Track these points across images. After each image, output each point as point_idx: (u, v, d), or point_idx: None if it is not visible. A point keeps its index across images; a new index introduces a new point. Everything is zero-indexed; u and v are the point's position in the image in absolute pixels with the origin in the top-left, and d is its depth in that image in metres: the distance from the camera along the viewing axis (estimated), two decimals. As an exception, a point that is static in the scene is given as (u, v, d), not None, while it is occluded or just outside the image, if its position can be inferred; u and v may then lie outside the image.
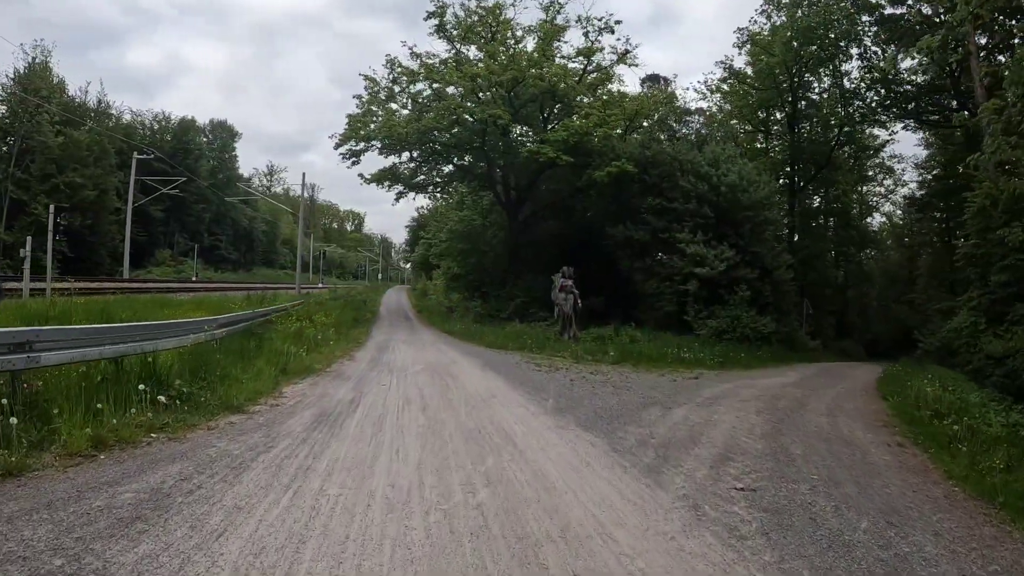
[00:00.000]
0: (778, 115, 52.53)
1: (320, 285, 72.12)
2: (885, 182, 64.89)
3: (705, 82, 49.98)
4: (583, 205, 41.67)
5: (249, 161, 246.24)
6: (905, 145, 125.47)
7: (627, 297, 42.64)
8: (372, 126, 39.51)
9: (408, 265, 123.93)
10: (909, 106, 45.57)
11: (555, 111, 41.64)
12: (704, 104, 52.26)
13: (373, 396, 13.35)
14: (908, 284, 62.68)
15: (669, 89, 49.60)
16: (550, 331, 30.80)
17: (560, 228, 42.43)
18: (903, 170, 61.00)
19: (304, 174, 72.89)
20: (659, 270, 34.07)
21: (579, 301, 30.33)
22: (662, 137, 39.37)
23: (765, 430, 12.11)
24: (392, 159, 42.64)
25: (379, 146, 40.37)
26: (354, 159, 40.20)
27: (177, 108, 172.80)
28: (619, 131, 38.36)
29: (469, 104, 36.84)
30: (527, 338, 28.48)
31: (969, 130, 40.79)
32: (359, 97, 41.20)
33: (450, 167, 45.26)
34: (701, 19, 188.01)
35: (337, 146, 40.04)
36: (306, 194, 62.45)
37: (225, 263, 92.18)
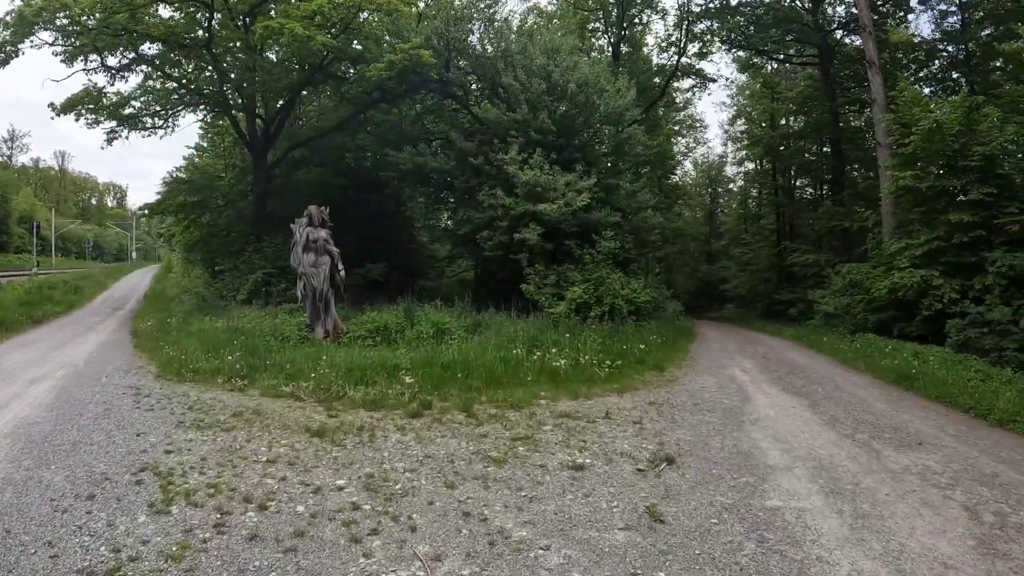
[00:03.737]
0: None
1: (34, 270, 51.54)
2: (684, 139, 57.50)
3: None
4: (359, 139, 27.10)
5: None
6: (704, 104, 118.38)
7: (421, 262, 29.18)
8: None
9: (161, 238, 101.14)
10: (755, 37, 34.62)
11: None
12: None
13: None
14: (706, 241, 58.43)
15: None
16: (295, 321, 16.15)
17: (327, 174, 27.64)
18: (705, 127, 54.22)
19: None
20: (472, 215, 20.33)
21: (341, 267, 15.88)
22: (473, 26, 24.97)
23: None
24: (79, 68, 25.35)
25: (51, 42, 23.09)
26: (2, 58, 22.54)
27: None
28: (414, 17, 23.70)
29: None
30: (239, 344, 13.64)
31: (829, 69, 31.66)
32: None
33: (171, 84, 28.15)
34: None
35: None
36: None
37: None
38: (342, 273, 15.81)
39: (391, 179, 23.33)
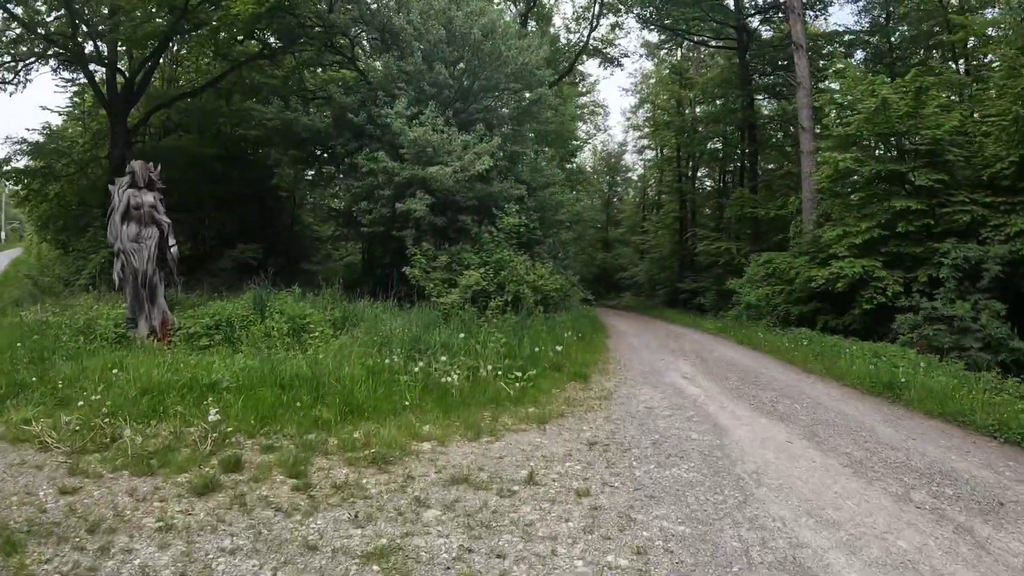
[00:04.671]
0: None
1: None
2: (584, 126, 53.87)
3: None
4: (235, 102, 22.57)
5: None
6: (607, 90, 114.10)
7: (305, 244, 25.80)
8: None
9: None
10: (673, 14, 31.57)
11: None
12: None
13: None
14: (603, 229, 55.12)
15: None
16: (114, 314, 11.85)
17: (199, 141, 22.78)
18: (608, 113, 51.73)
19: None
20: (351, 184, 16.45)
21: (174, 242, 11.67)
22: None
23: None
24: None
25: None
26: None
27: None
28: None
29: None
30: (26, 347, 9.41)
31: (746, 54, 29.31)
32: None
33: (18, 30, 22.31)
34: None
35: None
36: None
37: None
38: (174, 250, 11.60)
39: (255, 141, 19.14)
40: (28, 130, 24.38)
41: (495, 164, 15.35)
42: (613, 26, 35.65)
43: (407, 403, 7.18)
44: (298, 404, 6.80)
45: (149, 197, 11.50)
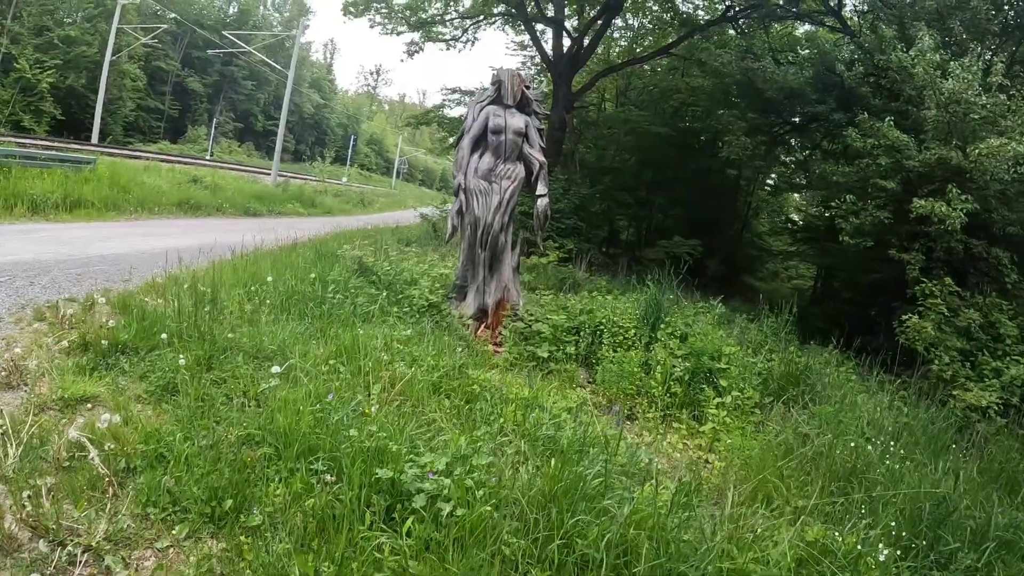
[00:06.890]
0: None
1: (344, 180, 49.24)
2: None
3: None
4: (693, 79, 18.74)
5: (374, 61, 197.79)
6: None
7: (745, 253, 22.36)
8: None
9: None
10: None
11: None
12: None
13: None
14: None
15: None
16: (442, 274, 8.18)
17: (648, 118, 19.51)
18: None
19: None
20: (830, 171, 10.69)
21: (546, 189, 7.24)
22: None
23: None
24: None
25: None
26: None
27: None
28: None
29: None
30: (307, 298, 6.23)
31: None
32: None
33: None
34: None
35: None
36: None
37: (283, 153, 69.60)
38: (543, 202, 7.20)
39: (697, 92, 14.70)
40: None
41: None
42: None
43: None
44: None
45: (519, 120, 7.27)
